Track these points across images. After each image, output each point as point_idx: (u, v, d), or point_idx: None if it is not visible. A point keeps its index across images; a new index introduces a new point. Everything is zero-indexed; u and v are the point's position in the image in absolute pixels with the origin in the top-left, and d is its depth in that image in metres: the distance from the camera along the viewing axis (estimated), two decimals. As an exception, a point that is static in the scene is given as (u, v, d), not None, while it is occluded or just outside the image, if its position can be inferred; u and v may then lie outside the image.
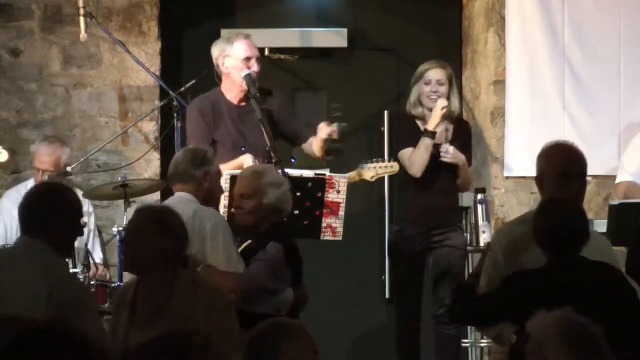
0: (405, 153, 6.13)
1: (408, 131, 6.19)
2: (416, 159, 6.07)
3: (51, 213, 4.17)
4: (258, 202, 4.92)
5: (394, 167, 5.98)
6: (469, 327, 6.88)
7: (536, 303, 3.48)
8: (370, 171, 5.96)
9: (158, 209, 4.56)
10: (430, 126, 6.07)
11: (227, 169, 5.53)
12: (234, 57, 5.88)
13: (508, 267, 4.21)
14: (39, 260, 4.11)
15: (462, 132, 6.30)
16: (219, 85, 6.00)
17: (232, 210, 5.13)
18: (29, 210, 4.23)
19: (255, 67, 5.87)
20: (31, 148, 6.39)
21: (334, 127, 5.85)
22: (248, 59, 5.87)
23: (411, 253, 6.14)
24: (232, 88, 5.92)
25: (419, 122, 6.20)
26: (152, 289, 4.23)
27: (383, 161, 6.01)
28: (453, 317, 4.67)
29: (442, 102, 6.06)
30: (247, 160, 5.65)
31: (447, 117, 6.19)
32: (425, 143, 6.05)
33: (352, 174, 5.96)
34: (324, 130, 5.83)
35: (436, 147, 6.11)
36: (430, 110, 6.13)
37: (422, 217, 6.15)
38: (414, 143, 6.10)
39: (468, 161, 6.28)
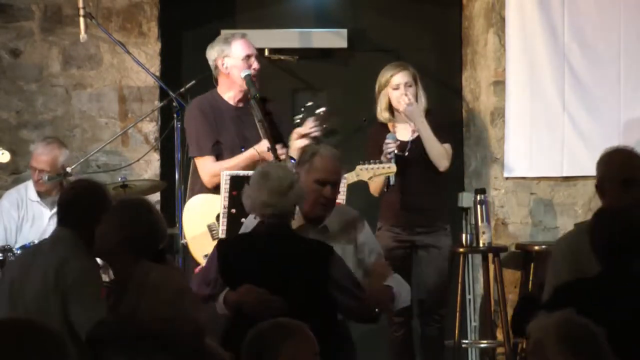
0: None
1: (376, 142, 6.15)
2: (373, 187, 6.11)
3: (93, 209, 4.33)
4: None
5: (392, 167, 5.98)
6: (468, 327, 6.88)
7: (592, 312, 3.44)
8: (368, 172, 5.95)
9: (131, 200, 4.54)
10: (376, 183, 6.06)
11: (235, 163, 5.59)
12: (233, 56, 5.89)
13: (570, 276, 4.16)
14: (63, 248, 4.31)
15: (431, 122, 6.20)
16: (214, 87, 5.99)
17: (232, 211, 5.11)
18: (72, 203, 4.43)
19: (255, 64, 5.89)
20: (31, 148, 6.41)
21: (309, 124, 5.80)
22: (248, 57, 5.89)
23: (393, 252, 6.09)
24: (232, 88, 5.91)
25: (389, 127, 6.21)
26: (115, 276, 4.29)
27: (381, 162, 6.01)
28: (515, 330, 4.49)
29: (390, 146, 6.03)
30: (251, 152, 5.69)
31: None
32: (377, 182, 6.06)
33: (351, 175, 5.96)
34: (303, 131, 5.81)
35: (403, 146, 6.10)
36: (404, 114, 6.13)
37: (399, 218, 6.16)
38: (380, 153, 6.06)
39: (441, 140, 6.19)
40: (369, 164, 5.93)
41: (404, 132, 6.22)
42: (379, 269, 4.98)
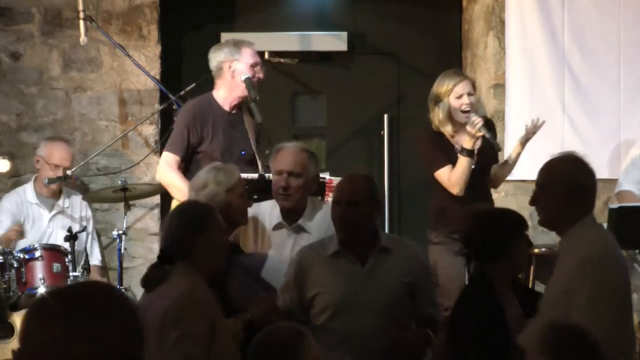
0: (444, 172, 5.90)
1: (441, 149, 5.95)
2: (457, 179, 5.87)
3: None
4: None
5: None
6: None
7: None
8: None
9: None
10: (468, 145, 5.86)
11: None
12: (242, 61, 5.82)
13: None
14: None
15: (491, 130, 6.04)
16: (210, 91, 5.94)
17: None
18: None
19: (260, 73, 5.84)
20: (43, 149, 6.33)
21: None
22: (255, 64, 5.84)
23: (453, 259, 5.92)
24: (232, 92, 5.83)
25: (449, 139, 5.98)
26: None
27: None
28: None
29: (477, 120, 5.84)
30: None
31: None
32: (464, 163, 5.85)
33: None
34: None
35: (470, 155, 5.91)
36: (464, 124, 5.91)
37: (458, 226, 5.75)
38: (449, 160, 5.90)
39: (497, 158, 6.13)
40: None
41: (465, 142, 5.95)
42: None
